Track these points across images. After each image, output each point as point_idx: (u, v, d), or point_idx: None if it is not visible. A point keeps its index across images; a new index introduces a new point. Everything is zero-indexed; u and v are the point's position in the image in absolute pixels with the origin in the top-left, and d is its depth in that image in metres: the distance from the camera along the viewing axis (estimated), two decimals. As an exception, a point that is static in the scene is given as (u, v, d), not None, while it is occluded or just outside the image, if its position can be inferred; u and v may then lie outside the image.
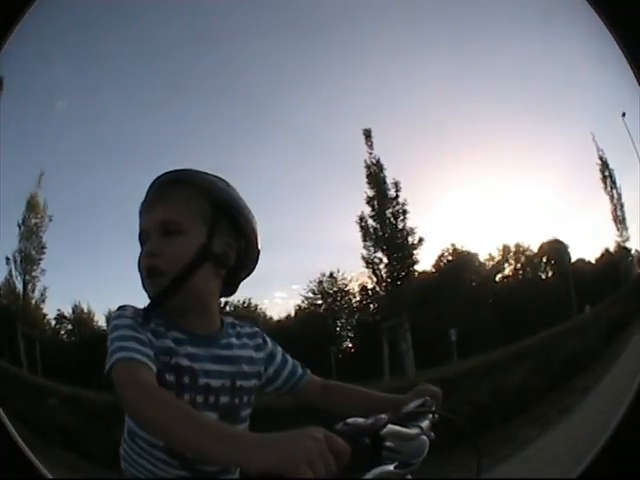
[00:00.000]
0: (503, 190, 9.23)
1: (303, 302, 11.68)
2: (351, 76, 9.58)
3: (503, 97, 9.02)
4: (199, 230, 1.87)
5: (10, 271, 11.11)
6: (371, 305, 11.46)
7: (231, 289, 1.99)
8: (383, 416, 1.50)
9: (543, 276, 10.64)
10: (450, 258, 11.04)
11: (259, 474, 1.22)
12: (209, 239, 1.87)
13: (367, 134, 10.47)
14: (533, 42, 8.10)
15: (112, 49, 9.89)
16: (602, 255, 10.06)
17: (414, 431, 1.62)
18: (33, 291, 11.18)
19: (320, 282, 11.56)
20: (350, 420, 1.44)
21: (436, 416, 1.74)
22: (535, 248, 10.40)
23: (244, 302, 11.29)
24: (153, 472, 1.84)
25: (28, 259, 11.12)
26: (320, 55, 9.84)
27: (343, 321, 11.78)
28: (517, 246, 10.35)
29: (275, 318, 11.58)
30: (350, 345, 11.52)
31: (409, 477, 1.63)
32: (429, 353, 9.59)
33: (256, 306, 11.41)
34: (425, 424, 1.67)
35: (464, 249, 10.86)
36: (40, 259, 11.24)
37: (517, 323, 9.26)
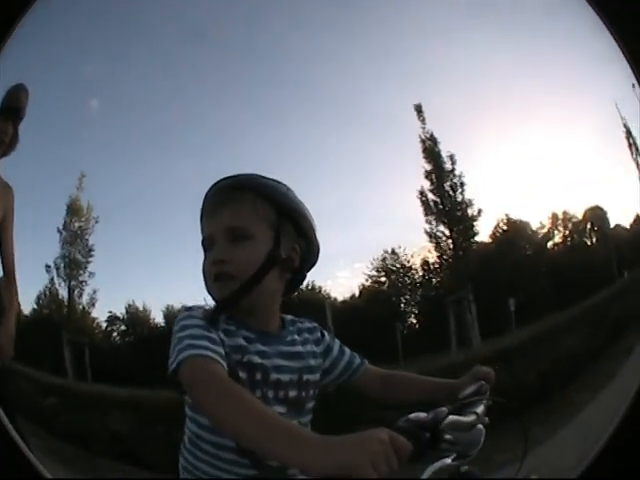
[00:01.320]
0: (546, 159, 9.32)
1: (367, 280, 11.67)
2: (397, 53, 9.57)
3: (535, 71, 9.15)
4: (266, 235, 1.98)
5: (52, 279, 10.94)
6: (434, 279, 11.48)
7: (294, 288, 2.15)
8: (443, 409, 1.60)
9: (588, 242, 10.76)
10: (505, 228, 11.05)
11: (322, 477, 1.29)
12: (276, 244, 1.98)
13: (418, 109, 10.59)
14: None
15: (137, 37, 9.85)
16: (635, 221, 9.99)
17: (471, 418, 1.74)
18: (80, 296, 11.02)
19: (383, 259, 11.54)
20: (412, 415, 1.53)
21: (490, 401, 1.87)
22: (580, 215, 10.44)
23: (307, 285, 10.96)
24: (219, 478, 1.92)
25: (74, 264, 10.97)
26: (362, 34, 9.83)
27: (407, 297, 11.73)
28: (564, 213, 10.39)
29: (340, 298, 11.57)
30: (415, 321, 11.49)
31: (465, 468, 1.75)
32: (489, 324, 9.74)
33: (320, 288, 11.33)
34: (480, 409, 1.81)
35: (517, 218, 10.89)
36: (88, 262, 11.08)
37: (568, 290, 9.37)
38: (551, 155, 9.49)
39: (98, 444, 7.78)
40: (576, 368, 7.70)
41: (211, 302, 1.98)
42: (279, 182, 2.06)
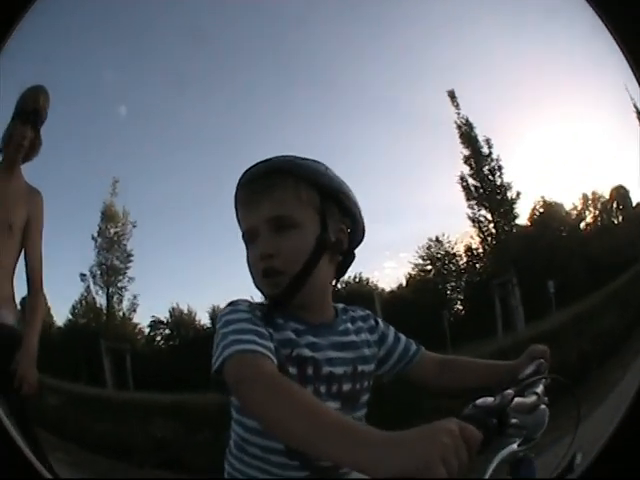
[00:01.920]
0: (573, 141, 9.28)
1: (413, 269, 11.56)
2: (425, 42, 9.49)
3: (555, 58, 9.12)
4: (312, 221, 1.87)
5: (88, 287, 10.76)
6: (478, 264, 11.53)
7: (344, 271, 2.04)
8: (509, 391, 1.53)
9: (615, 221, 10.70)
10: (541, 210, 11.03)
11: (386, 478, 1.16)
12: (323, 229, 1.88)
13: (452, 95, 10.54)
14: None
15: (160, 40, 9.77)
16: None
17: (532, 399, 1.68)
18: (120, 303, 10.84)
19: (428, 247, 11.48)
20: (479, 401, 1.46)
21: (549, 380, 1.82)
22: (607, 195, 10.45)
23: (355, 277, 11.01)
24: None
25: (112, 270, 10.78)
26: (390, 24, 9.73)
27: (453, 284, 11.69)
28: (593, 194, 10.45)
29: (387, 289, 11.38)
30: (461, 307, 11.48)
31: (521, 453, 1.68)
32: (531, 306, 9.87)
33: (367, 279, 11.13)
34: (540, 389, 1.75)
35: (551, 200, 10.87)
36: (127, 268, 10.93)
37: (600, 269, 9.50)
38: (577, 136, 9.45)
39: (139, 453, 7.66)
40: (610, 347, 7.79)
41: (256, 297, 1.91)
42: (316, 161, 1.95)
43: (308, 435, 1.34)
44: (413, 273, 11.60)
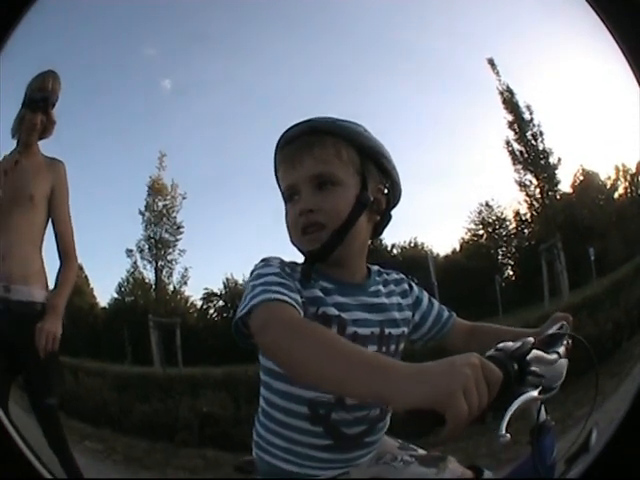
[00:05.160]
0: (605, 112, 9.11)
1: (466, 234, 11.78)
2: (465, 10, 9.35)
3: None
4: (352, 179, 1.90)
5: (135, 263, 10.84)
6: (525, 230, 11.67)
7: (381, 231, 2.05)
8: (530, 339, 1.56)
9: (641, 193, 10.82)
10: (581, 178, 11.05)
11: (408, 410, 1.18)
12: (363, 187, 1.91)
13: (491, 63, 10.54)
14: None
15: (202, 9, 9.71)
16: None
17: (553, 357, 1.68)
18: (170, 276, 10.86)
19: (479, 212, 11.63)
20: (500, 345, 1.49)
21: (569, 341, 1.80)
22: (634, 168, 10.40)
23: (410, 242, 11.25)
24: (289, 450, 1.87)
25: (161, 244, 10.77)
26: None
27: (504, 249, 11.86)
28: (623, 166, 10.40)
29: (442, 254, 11.51)
30: (511, 272, 11.64)
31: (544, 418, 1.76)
32: (574, 273, 9.82)
33: (422, 244, 11.32)
34: (562, 350, 1.74)
35: (589, 169, 10.81)
36: (177, 240, 10.88)
37: (634, 239, 9.25)
38: (608, 107, 9.28)
39: (182, 431, 7.65)
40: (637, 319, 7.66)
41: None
42: (356, 123, 1.98)
43: (328, 370, 1.38)
44: (466, 238, 11.86)
